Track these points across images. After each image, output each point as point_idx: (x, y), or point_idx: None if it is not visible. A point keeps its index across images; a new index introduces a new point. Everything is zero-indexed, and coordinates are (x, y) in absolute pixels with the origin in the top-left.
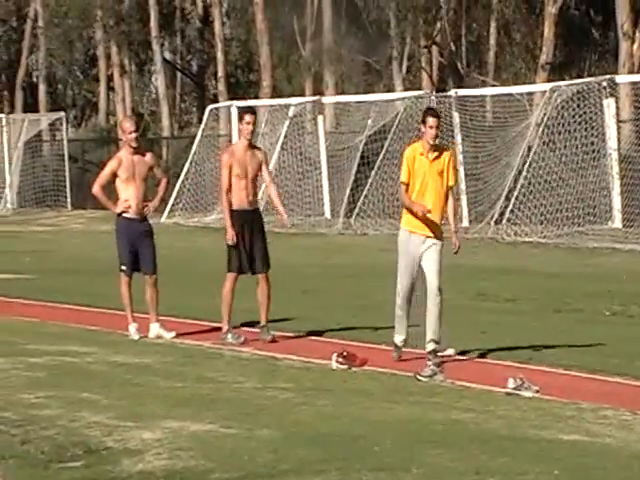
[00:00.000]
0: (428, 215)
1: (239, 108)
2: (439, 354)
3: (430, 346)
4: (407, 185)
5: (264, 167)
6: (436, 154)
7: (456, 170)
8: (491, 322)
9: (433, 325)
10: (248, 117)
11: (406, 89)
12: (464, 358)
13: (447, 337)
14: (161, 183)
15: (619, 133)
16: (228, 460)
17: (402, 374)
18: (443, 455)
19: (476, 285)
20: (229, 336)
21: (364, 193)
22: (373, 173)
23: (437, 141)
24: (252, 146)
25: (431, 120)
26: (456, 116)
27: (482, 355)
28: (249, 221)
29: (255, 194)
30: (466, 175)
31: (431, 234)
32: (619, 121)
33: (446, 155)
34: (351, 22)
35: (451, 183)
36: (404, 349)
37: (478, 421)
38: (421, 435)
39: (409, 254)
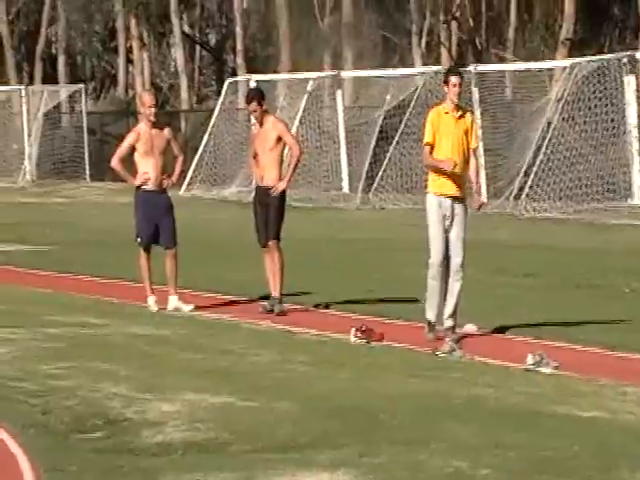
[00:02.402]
0: (455, 171)
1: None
2: (459, 330)
3: (449, 322)
4: (431, 147)
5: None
6: (460, 113)
7: (477, 133)
8: (510, 297)
9: (453, 301)
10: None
11: (425, 64)
12: (483, 334)
13: (468, 313)
14: (177, 161)
15: (639, 110)
16: (247, 432)
17: (420, 349)
18: (462, 430)
19: (495, 260)
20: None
21: (382, 168)
22: (392, 148)
23: (460, 101)
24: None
25: (454, 79)
26: (475, 91)
27: (501, 331)
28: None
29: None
30: (485, 150)
31: (458, 194)
32: (639, 97)
33: (469, 116)
34: None
35: (474, 145)
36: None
37: (497, 396)
38: (440, 410)
39: (439, 218)
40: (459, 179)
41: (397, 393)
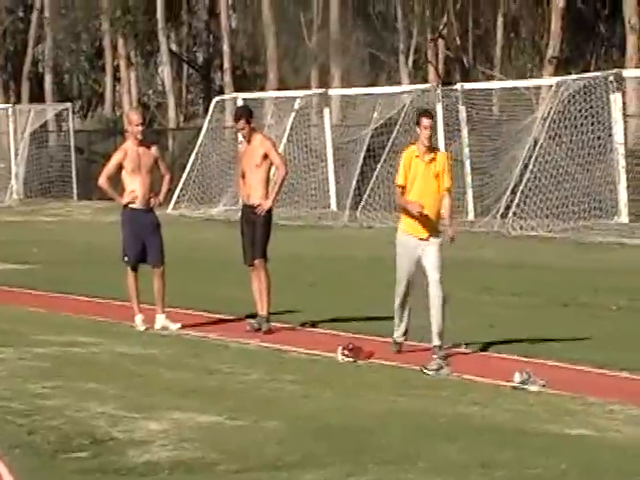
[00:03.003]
0: (425, 212)
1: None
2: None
3: (436, 340)
4: (403, 188)
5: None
6: (432, 156)
7: (452, 173)
8: (497, 316)
9: (437, 319)
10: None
11: (412, 82)
12: (470, 352)
13: (454, 331)
14: (165, 179)
15: (626, 128)
16: (234, 452)
17: (408, 367)
18: (449, 448)
19: (482, 279)
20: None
21: (370, 186)
22: (379, 166)
23: (433, 142)
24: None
25: (425, 121)
26: (462, 110)
27: (488, 349)
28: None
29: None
30: (472, 169)
31: (427, 234)
32: (626, 115)
33: (442, 158)
34: (357, 14)
35: (446, 185)
36: (408, 342)
37: (484, 414)
38: (427, 428)
39: (406, 256)
40: (428, 221)
41: (385, 412)
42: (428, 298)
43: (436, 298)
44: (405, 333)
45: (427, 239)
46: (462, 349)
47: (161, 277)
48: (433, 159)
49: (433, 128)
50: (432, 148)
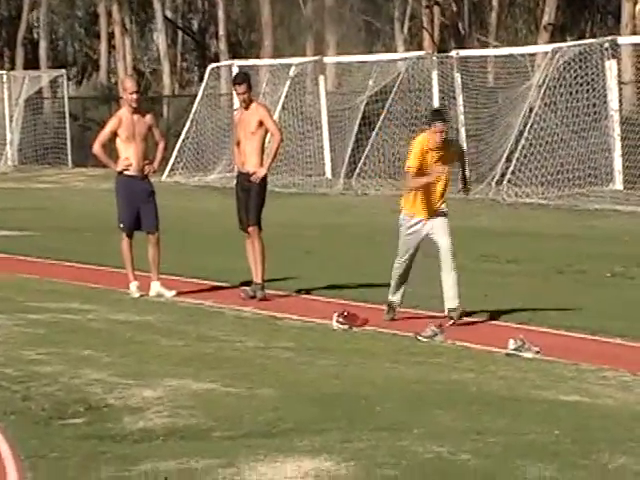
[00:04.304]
0: (441, 179)
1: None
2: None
3: (451, 303)
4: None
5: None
6: (442, 152)
7: (463, 154)
8: (493, 283)
9: (451, 283)
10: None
11: (407, 49)
12: (465, 319)
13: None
14: (159, 146)
15: (621, 95)
16: (229, 419)
17: (403, 334)
18: (444, 415)
19: (478, 247)
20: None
21: (365, 154)
22: (374, 134)
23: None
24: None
25: (439, 125)
26: (457, 77)
27: (484, 316)
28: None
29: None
30: (467, 136)
31: (434, 212)
32: (621, 83)
33: (453, 149)
34: None
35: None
36: (401, 310)
37: (479, 382)
38: (423, 395)
39: (412, 235)
40: (435, 201)
41: (380, 379)
42: (440, 264)
43: (450, 267)
44: (401, 299)
45: (434, 216)
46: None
47: (156, 244)
48: (445, 152)
49: (446, 132)
50: (445, 141)
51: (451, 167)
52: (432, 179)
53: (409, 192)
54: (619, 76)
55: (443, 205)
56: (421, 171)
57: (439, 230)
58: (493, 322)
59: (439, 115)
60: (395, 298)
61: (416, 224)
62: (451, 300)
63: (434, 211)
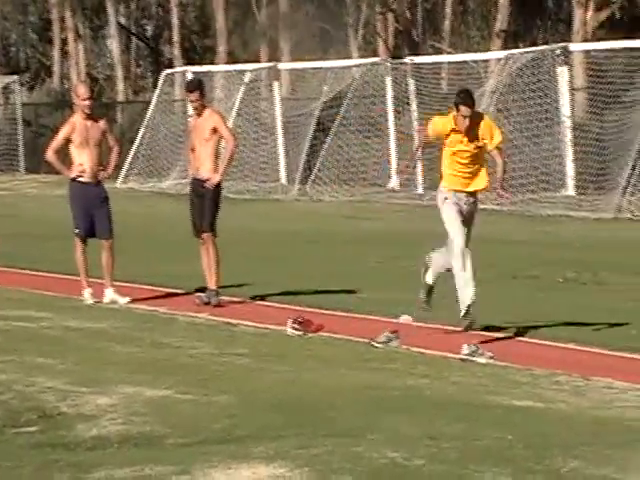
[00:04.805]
0: (467, 172)
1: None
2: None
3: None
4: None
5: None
6: (472, 132)
7: (496, 129)
8: (446, 289)
9: (464, 289)
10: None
11: (362, 56)
12: (420, 324)
13: (405, 304)
14: (113, 151)
15: (573, 101)
16: (184, 426)
17: (358, 340)
18: (399, 421)
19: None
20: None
21: (320, 160)
22: (329, 139)
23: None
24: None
25: (464, 109)
26: (411, 83)
27: (437, 321)
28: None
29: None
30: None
31: (470, 191)
32: (572, 89)
33: (482, 126)
34: None
35: (497, 140)
36: (357, 315)
37: (434, 387)
38: (378, 401)
39: (455, 207)
40: (465, 180)
41: (336, 385)
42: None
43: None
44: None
45: (470, 196)
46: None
47: (110, 250)
48: (474, 131)
49: (472, 116)
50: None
51: (482, 151)
52: (419, 143)
53: (448, 166)
54: (571, 82)
55: (474, 195)
56: (452, 151)
57: (466, 221)
58: (447, 327)
59: (464, 98)
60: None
61: (455, 196)
62: (460, 304)
63: (467, 193)
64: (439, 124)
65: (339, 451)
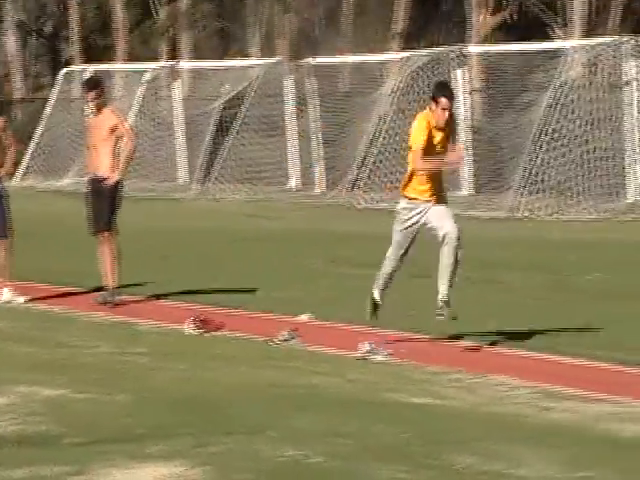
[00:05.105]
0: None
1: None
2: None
3: (444, 295)
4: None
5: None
6: (446, 131)
7: (455, 125)
8: (346, 287)
9: (445, 280)
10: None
11: (262, 56)
12: (319, 323)
13: (304, 302)
14: (10, 150)
15: (470, 103)
16: (81, 425)
17: (258, 339)
18: (299, 418)
19: (331, 250)
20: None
21: (220, 159)
22: (229, 139)
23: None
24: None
25: (444, 101)
26: (312, 83)
27: (336, 320)
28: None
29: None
30: (323, 142)
31: (435, 197)
32: (469, 91)
33: (453, 125)
34: None
35: (454, 141)
36: (256, 314)
37: (333, 385)
38: (278, 399)
39: (410, 227)
40: (438, 185)
41: (236, 383)
42: (442, 251)
43: (452, 257)
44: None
45: (434, 201)
46: (304, 318)
47: (7, 249)
48: (445, 127)
49: (451, 109)
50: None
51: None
52: (445, 167)
53: (414, 175)
54: (467, 84)
55: (444, 193)
56: (425, 151)
57: (443, 216)
58: (346, 325)
59: (444, 90)
60: (378, 297)
61: (418, 213)
62: (439, 294)
63: (438, 197)
64: (421, 129)
65: (239, 449)
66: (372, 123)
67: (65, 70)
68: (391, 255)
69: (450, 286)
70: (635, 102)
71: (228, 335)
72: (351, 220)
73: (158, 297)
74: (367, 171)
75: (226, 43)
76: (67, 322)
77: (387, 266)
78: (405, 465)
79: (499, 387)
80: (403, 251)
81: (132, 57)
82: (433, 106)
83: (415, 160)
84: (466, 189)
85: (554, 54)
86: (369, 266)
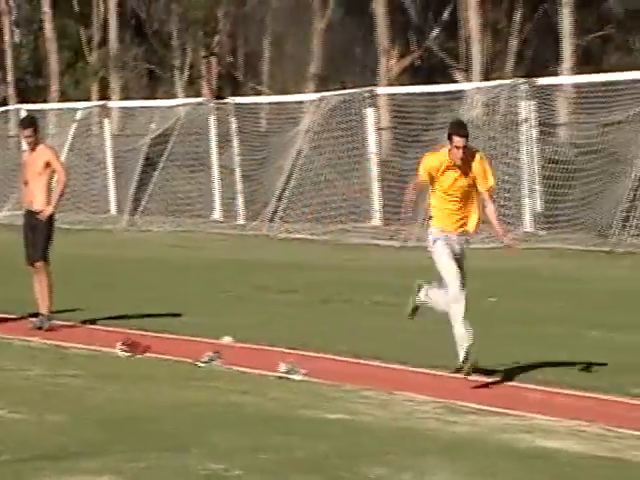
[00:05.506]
0: (454, 215)
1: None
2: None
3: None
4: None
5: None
6: (465, 166)
7: (489, 170)
8: (267, 312)
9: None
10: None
11: (187, 96)
12: (242, 345)
13: (229, 327)
14: None
15: (379, 139)
16: (16, 444)
17: (183, 360)
18: (222, 435)
19: (253, 278)
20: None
21: (148, 192)
22: (156, 173)
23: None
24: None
25: (458, 140)
26: (233, 122)
27: (260, 342)
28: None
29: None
30: (242, 177)
31: (461, 230)
32: (379, 128)
33: (475, 162)
34: (136, 32)
35: (490, 183)
36: (188, 337)
37: (254, 403)
38: (203, 417)
39: (446, 249)
40: (454, 220)
41: (163, 403)
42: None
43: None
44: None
45: (461, 234)
46: (228, 341)
47: None
48: (467, 167)
49: (466, 147)
50: (464, 158)
51: (474, 190)
52: (408, 199)
53: (432, 208)
54: (377, 123)
55: (465, 234)
56: (443, 189)
57: (459, 261)
58: (268, 347)
59: (455, 127)
60: (419, 301)
61: (447, 237)
62: (459, 348)
63: (458, 232)
64: (432, 160)
65: (165, 464)
66: (289, 159)
67: (1, 110)
68: (446, 277)
69: (469, 340)
70: (531, 139)
71: (156, 357)
72: (272, 249)
73: (88, 322)
74: (285, 203)
75: (153, 84)
76: (2, 347)
77: (451, 290)
78: (321, 477)
79: (406, 403)
80: (455, 273)
81: (64, 97)
82: (449, 145)
83: (408, 188)
84: (376, 219)
85: (456, 95)
86: (289, 292)
